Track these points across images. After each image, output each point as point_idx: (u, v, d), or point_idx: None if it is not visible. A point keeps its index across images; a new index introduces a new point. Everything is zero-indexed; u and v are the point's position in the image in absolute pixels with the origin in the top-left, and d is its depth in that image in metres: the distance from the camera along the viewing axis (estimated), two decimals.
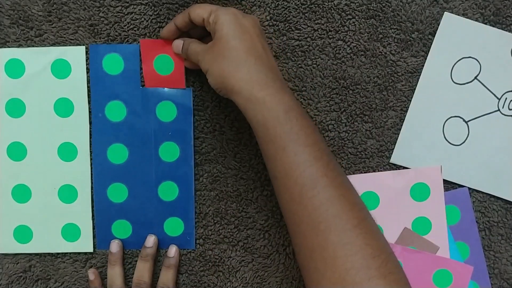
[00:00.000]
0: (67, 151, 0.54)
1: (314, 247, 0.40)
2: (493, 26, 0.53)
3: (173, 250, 0.55)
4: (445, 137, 0.54)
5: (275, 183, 0.43)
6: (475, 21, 0.53)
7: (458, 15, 0.53)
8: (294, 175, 0.41)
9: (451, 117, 0.54)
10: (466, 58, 0.53)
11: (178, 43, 0.51)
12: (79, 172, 0.55)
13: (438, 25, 0.53)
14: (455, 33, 0.53)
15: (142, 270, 0.54)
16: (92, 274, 0.54)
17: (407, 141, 0.55)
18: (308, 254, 0.41)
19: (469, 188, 0.55)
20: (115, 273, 0.54)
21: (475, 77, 0.53)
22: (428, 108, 0.54)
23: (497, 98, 0.54)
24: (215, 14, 0.45)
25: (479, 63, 0.53)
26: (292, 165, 0.41)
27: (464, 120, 0.54)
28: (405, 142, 0.55)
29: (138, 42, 0.53)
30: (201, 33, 0.51)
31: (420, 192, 0.55)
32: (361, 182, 0.55)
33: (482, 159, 0.54)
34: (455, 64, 0.54)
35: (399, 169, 0.55)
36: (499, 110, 0.54)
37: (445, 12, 0.53)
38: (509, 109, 0.54)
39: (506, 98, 0.54)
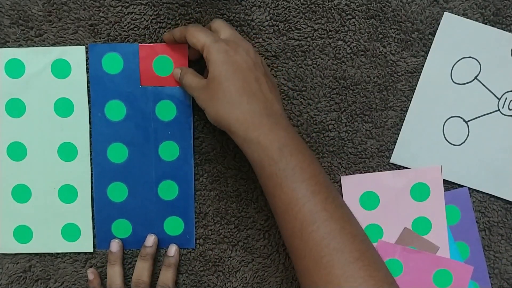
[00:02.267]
0: (67, 151, 0.54)
1: (318, 281, 0.41)
2: (493, 26, 0.53)
3: (173, 249, 0.55)
4: (445, 137, 0.54)
5: (277, 218, 0.45)
6: (475, 21, 0.53)
7: (458, 15, 0.53)
8: (293, 211, 0.42)
9: (451, 117, 0.54)
10: (466, 58, 0.53)
11: (177, 72, 0.52)
12: (79, 172, 0.55)
13: (438, 25, 0.53)
14: (455, 33, 0.53)
15: (142, 270, 0.54)
16: (91, 274, 0.54)
17: (407, 141, 0.55)
18: None
19: (469, 188, 0.55)
20: (114, 272, 0.54)
21: (475, 77, 0.53)
22: (428, 108, 0.54)
23: (497, 98, 0.54)
24: (207, 51, 0.45)
25: (479, 63, 0.53)
26: (290, 201, 0.42)
27: (464, 120, 0.54)
28: (405, 142, 0.55)
29: (139, 42, 0.53)
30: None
31: (420, 192, 0.55)
32: (361, 182, 0.55)
33: (482, 159, 0.54)
34: (455, 64, 0.54)
35: (399, 169, 0.55)
36: (499, 110, 0.54)
37: (445, 12, 0.53)
38: (509, 109, 0.54)
39: (506, 98, 0.54)
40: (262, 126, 0.44)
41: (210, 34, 0.47)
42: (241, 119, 0.44)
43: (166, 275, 0.54)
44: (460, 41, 0.53)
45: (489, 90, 0.54)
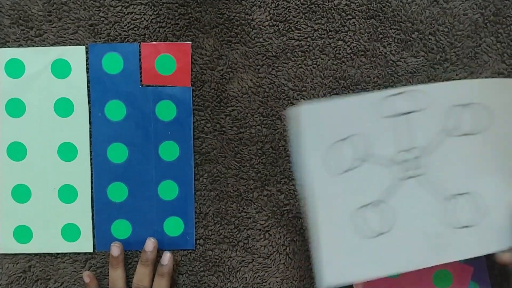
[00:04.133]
0: (67, 151, 0.54)
1: None
2: (493, 26, 0.53)
3: (166, 257, 0.54)
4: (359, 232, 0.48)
5: None
6: (475, 21, 0.53)
7: (458, 15, 0.53)
8: None
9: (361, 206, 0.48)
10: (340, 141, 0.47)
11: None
12: (79, 172, 0.55)
13: (438, 25, 0.53)
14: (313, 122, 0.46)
15: (142, 275, 0.53)
16: (87, 277, 0.54)
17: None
18: None
19: None
20: (117, 275, 0.54)
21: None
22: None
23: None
24: None
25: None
26: None
27: (374, 208, 0.48)
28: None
29: (139, 42, 0.53)
30: None
31: None
32: None
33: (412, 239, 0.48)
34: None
35: None
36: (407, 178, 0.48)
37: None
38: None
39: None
40: None
41: None
42: None
43: (160, 284, 0.53)
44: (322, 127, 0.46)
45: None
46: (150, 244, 0.54)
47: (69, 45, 0.54)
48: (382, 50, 0.54)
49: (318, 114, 0.46)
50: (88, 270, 0.56)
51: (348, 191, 0.47)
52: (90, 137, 0.54)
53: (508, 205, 0.49)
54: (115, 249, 0.54)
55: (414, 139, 0.48)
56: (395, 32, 0.54)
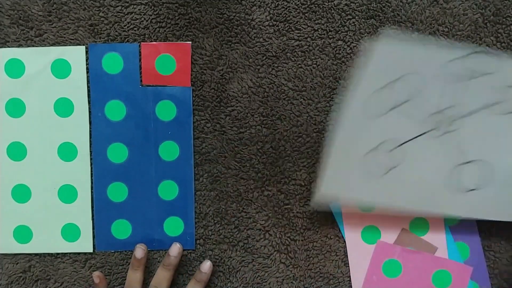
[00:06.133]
0: (67, 151, 0.54)
1: None
2: (493, 26, 0.53)
3: (176, 249, 0.53)
4: (368, 168, 0.52)
5: None
6: (475, 21, 0.53)
7: (458, 15, 0.53)
8: None
9: (374, 148, 0.51)
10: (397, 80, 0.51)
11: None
12: (79, 172, 0.55)
13: (438, 25, 0.53)
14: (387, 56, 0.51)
15: (162, 279, 0.53)
16: (97, 278, 0.53)
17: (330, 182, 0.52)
18: None
19: None
20: (135, 278, 0.53)
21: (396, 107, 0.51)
22: (350, 140, 0.52)
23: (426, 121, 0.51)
24: None
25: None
26: None
27: (387, 150, 0.51)
28: (330, 181, 0.51)
29: (139, 42, 0.53)
30: None
31: None
32: None
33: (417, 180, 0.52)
34: (378, 90, 0.51)
35: None
36: (431, 131, 0.51)
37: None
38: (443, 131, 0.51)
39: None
40: None
41: None
42: None
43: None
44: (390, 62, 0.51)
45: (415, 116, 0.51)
46: (175, 249, 0.53)
47: (69, 45, 0.54)
48: None
49: (391, 51, 0.51)
50: (88, 270, 0.56)
51: (374, 135, 0.51)
52: (90, 137, 0.54)
53: None
54: (140, 251, 0.53)
55: (458, 99, 0.51)
56: (395, 32, 0.54)
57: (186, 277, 0.56)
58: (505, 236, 0.55)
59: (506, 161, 0.51)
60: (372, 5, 0.54)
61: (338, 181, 0.52)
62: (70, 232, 0.55)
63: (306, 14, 0.54)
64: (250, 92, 0.55)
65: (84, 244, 0.55)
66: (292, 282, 0.56)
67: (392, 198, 0.52)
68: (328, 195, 0.52)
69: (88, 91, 0.54)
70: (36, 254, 0.56)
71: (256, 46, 0.54)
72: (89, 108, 0.54)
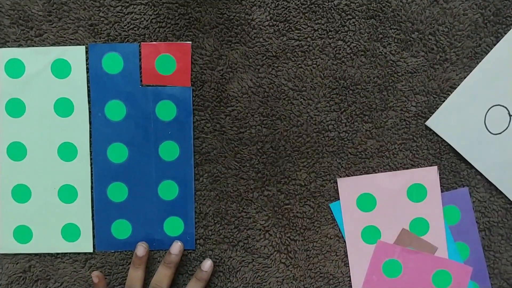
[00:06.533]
0: (67, 151, 0.54)
1: None
2: (493, 26, 0.53)
3: (177, 247, 0.53)
4: (485, 123, 0.54)
5: None
6: (475, 21, 0.53)
7: (458, 15, 0.53)
8: None
9: (496, 105, 0.54)
10: None
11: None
12: (79, 172, 0.55)
13: (438, 25, 0.53)
14: None
15: (163, 277, 0.53)
16: (96, 278, 0.53)
17: (450, 111, 0.54)
18: None
19: (469, 188, 0.55)
20: (137, 276, 0.53)
21: None
22: (481, 87, 0.54)
23: None
24: None
25: None
26: None
27: (508, 112, 0.53)
28: (447, 110, 0.54)
29: (139, 42, 0.53)
30: None
31: (416, 193, 0.55)
32: (357, 184, 0.55)
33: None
34: None
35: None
36: None
37: None
38: None
39: None
40: None
41: None
42: None
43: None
44: None
45: None
46: (176, 247, 0.53)
47: (69, 45, 0.54)
48: (382, 50, 0.54)
49: None
50: (88, 270, 0.56)
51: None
52: (90, 137, 0.54)
53: None
54: (141, 249, 0.53)
55: None
56: (395, 32, 0.54)
57: (186, 277, 0.56)
58: (505, 236, 0.55)
59: None
60: (372, 5, 0.54)
61: (455, 114, 0.54)
62: (70, 232, 0.55)
63: (306, 14, 0.54)
64: (250, 92, 0.55)
65: (84, 244, 0.55)
66: (292, 282, 0.56)
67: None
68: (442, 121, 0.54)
69: (88, 91, 0.54)
70: (36, 254, 0.56)
71: (256, 46, 0.54)
72: (89, 108, 0.54)
